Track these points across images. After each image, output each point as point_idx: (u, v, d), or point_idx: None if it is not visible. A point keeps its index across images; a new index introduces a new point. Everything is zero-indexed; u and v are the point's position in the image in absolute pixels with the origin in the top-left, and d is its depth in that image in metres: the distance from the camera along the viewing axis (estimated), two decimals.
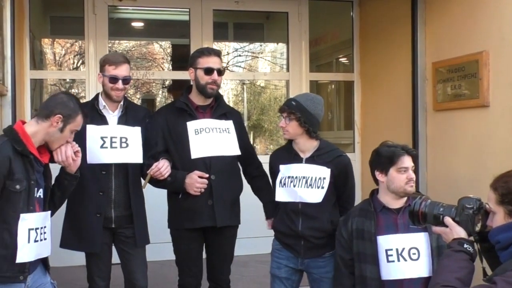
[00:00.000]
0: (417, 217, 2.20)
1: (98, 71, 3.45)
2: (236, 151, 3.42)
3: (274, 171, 3.26)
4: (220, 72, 3.40)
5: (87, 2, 5.45)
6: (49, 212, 2.78)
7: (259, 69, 8.77)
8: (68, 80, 8.80)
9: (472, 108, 4.13)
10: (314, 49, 6.49)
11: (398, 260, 2.73)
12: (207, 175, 3.29)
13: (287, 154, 3.23)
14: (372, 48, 5.73)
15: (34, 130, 2.68)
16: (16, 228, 2.56)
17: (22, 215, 2.57)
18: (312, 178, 3.08)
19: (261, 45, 8.51)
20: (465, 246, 2.03)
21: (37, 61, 6.41)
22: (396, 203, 2.88)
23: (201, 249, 3.51)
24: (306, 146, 3.15)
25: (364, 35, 5.91)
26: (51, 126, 2.69)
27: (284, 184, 3.15)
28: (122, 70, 3.32)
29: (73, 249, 3.39)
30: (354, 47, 6.01)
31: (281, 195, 3.18)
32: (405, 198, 2.89)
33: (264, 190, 3.54)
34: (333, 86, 7.14)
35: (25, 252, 2.59)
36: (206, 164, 3.32)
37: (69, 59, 9.07)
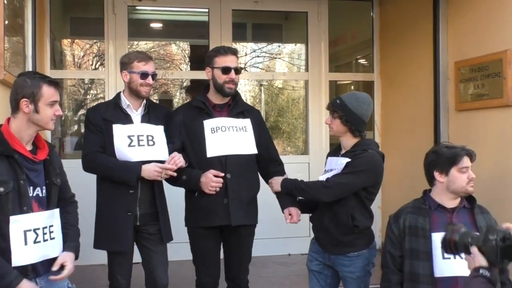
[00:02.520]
0: (449, 245, 2.17)
1: (119, 70, 3.46)
2: (253, 150, 3.41)
3: None
4: (238, 71, 3.40)
5: (107, 3, 5.49)
6: (56, 210, 2.64)
7: (277, 70, 8.74)
8: (87, 80, 8.86)
9: (495, 108, 4.06)
10: (334, 49, 6.45)
11: (454, 258, 2.71)
12: (222, 174, 3.28)
13: (335, 149, 3.32)
14: (392, 48, 5.67)
15: (15, 126, 2.54)
16: (8, 231, 2.42)
17: (13, 217, 2.43)
18: (337, 170, 3.10)
19: (279, 46, 8.48)
20: (481, 271, 1.98)
21: (57, 61, 6.47)
22: (451, 203, 2.91)
23: (218, 248, 3.50)
24: (348, 143, 3.16)
25: (385, 35, 5.86)
26: (24, 113, 2.52)
27: (323, 177, 3.21)
28: (151, 66, 3.39)
29: (106, 249, 3.40)
30: (374, 47, 5.97)
31: None
32: (459, 198, 2.92)
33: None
34: (352, 86, 7.09)
35: (22, 255, 2.46)
36: (221, 162, 3.31)
37: (88, 60, 9.13)
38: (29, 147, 2.58)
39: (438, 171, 2.91)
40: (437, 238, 2.77)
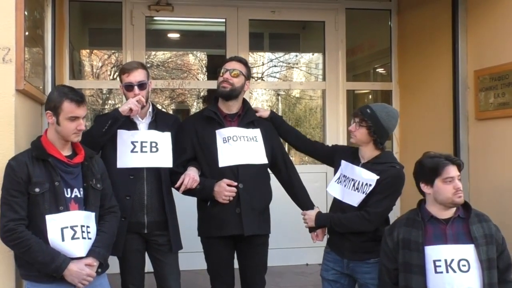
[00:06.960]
0: None
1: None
2: (263, 160, 3.40)
3: (333, 161, 3.38)
4: (235, 74, 3.37)
5: (125, 13, 5.53)
6: (92, 213, 2.81)
7: (294, 79, 8.75)
8: (105, 90, 8.94)
9: None
10: (351, 59, 6.42)
11: (447, 272, 2.68)
12: (235, 184, 3.28)
13: (351, 154, 3.28)
14: (411, 57, 5.63)
15: (49, 134, 2.81)
16: (45, 228, 2.66)
17: (49, 216, 2.66)
18: (360, 182, 3.09)
19: (296, 56, 8.48)
20: None
21: (76, 72, 6.54)
22: (444, 213, 2.82)
23: (232, 257, 3.49)
24: (368, 154, 3.15)
25: (403, 44, 5.82)
26: (50, 123, 2.80)
27: (340, 181, 3.23)
28: (135, 76, 3.30)
29: None
30: (392, 56, 5.92)
31: (334, 190, 3.27)
32: (454, 208, 2.82)
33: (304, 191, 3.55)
34: (370, 96, 7.05)
35: (61, 250, 2.66)
36: (234, 172, 3.31)
37: (106, 70, 9.22)
38: (66, 153, 2.83)
39: (424, 182, 2.85)
40: (430, 251, 2.73)
